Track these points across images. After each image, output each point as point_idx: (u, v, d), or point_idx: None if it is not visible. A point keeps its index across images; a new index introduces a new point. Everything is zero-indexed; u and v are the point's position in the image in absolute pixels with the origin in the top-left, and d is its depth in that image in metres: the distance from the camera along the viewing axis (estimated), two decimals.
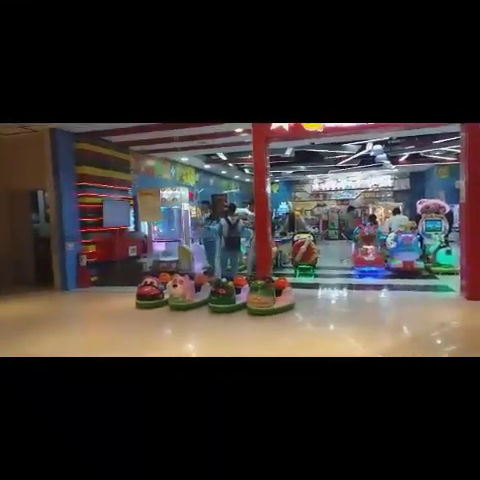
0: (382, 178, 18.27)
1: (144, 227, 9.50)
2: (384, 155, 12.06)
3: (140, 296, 5.63)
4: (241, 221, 6.82)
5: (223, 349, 3.84)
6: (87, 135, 7.63)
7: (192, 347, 4.35)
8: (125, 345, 4.14)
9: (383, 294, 6.45)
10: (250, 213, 8.28)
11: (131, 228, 9.13)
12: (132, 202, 9.23)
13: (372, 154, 12.00)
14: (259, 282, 5.00)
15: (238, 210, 7.10)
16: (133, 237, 8.92)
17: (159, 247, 9.31)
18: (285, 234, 10.01)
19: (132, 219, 9.19)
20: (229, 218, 6.74)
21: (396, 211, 10.30)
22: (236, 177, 17.09)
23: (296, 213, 10.71)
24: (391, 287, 6.74)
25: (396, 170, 16.14)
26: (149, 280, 5.75)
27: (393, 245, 8.30)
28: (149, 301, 5.55)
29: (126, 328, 4.79)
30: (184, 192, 9.31)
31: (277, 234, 9.92)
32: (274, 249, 8.04)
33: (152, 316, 5.27)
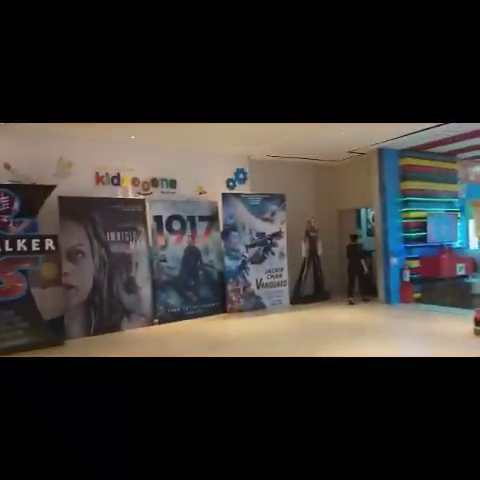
0: None
1: (475, 242, 8.37)
2: None
3: (479, 322, 4.93)
4: None
5: None
6: (411, 150, 7.58)
7: None
8: None
9: None
10: None
11: (458, 244, 8.25)
12: (459, 215, 8.35)
13: None
14: None
15: None
16: (461, 254, 8.02)
17: None
18: None
19: (459, 234, 8.29)
20: None
21: None
22: None
23: None
24: None
25: None
26: None
27: None
28: None
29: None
30: None
31: None
32: None
33: None
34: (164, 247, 6.75)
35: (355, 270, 7.75)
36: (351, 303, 7.56)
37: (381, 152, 7.47)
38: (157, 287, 6.57)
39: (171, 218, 6.89)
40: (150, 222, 6.67)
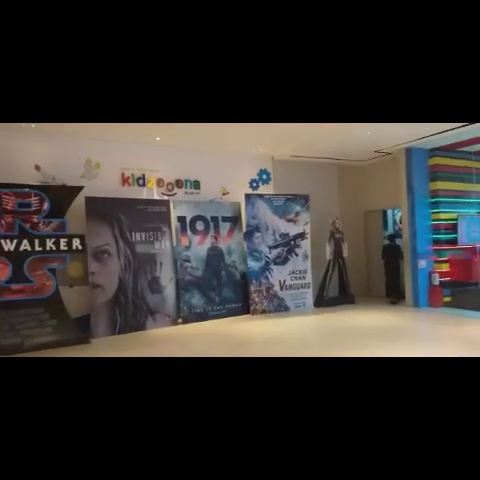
0: None
1: None
2: None
3: None
4: None
5: None
6: (441, 149, 7.34)
7: None
8: None
9: None
10: None
11: None
12: None
13: None
14: None
15: None
16: None
17: None
18: None
19: None
20: None
21: None
22: None
23: None
24: None
25: None
26: None
27: None
28: None
29: None
30: None
31: None
32: None
33: None
34: (188, 247, 6.78)
35: (392, 271, 7.77)
36: (393, 303, 7.65)
37: (409, 151, 7.26)
38: (181, 287, 6.61)
39: (195, 219, 6.92)
40: (174, 222, 6.72)
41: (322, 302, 7.68)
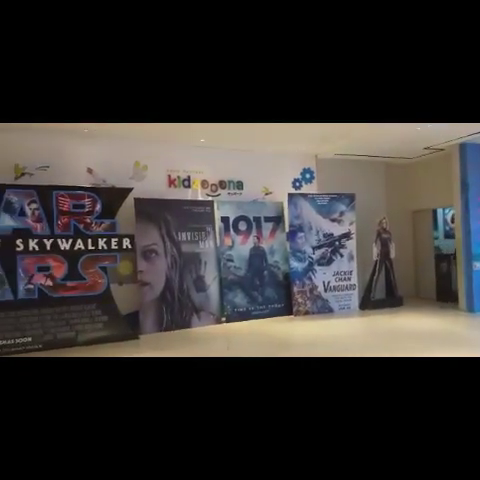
0: None
1: None
2: None
3: None
4: None
5: None
6: None
7: None
8: None
9: None
10: None
11: None
12: None
13: None
14: None
15: None
16: None
17: None
18: None
19: None
20: None
21: None
22: None
23: None
24: None
25: None
26: None
27: None
28: None
29: None
30: None
31: None
32: None
33: None
34: (231, 247, 6.83)
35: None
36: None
37: (463, 147, 6.87)
38: (224, 286, 6.67)
39: (238, 219, 6.96)
40: (218, 223, 6.80)
41: (368, 304, 7.45)
